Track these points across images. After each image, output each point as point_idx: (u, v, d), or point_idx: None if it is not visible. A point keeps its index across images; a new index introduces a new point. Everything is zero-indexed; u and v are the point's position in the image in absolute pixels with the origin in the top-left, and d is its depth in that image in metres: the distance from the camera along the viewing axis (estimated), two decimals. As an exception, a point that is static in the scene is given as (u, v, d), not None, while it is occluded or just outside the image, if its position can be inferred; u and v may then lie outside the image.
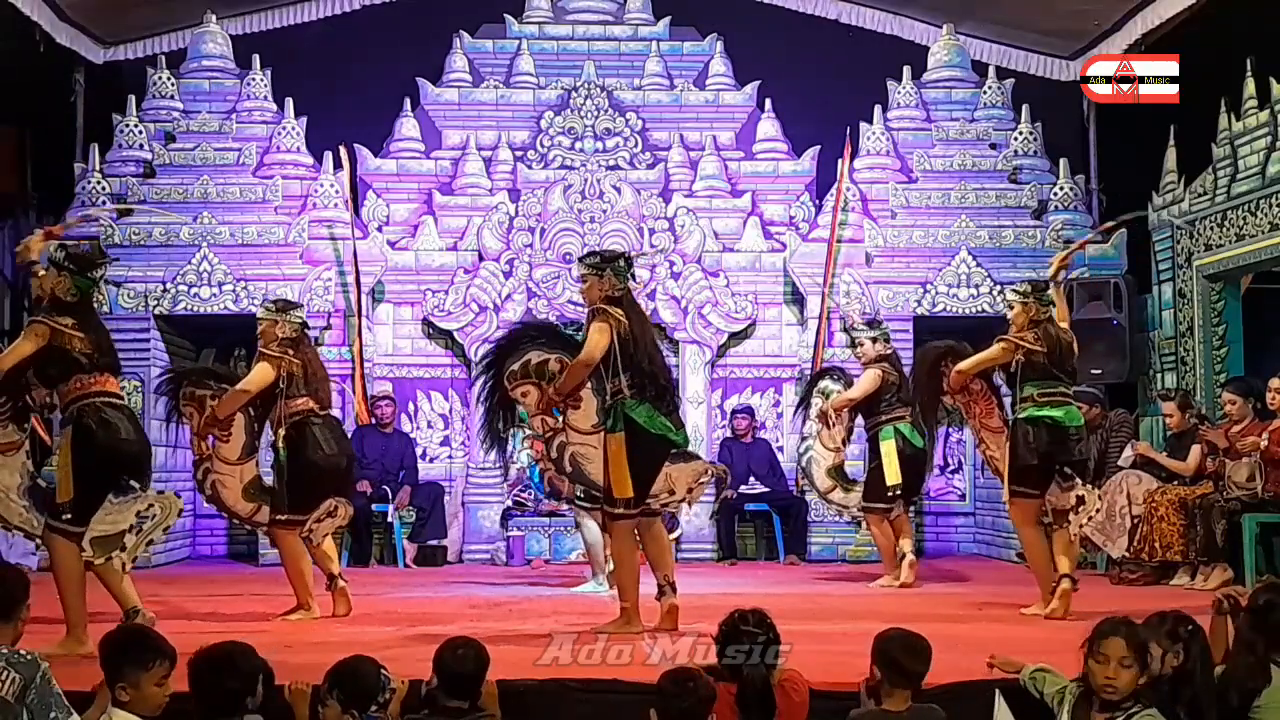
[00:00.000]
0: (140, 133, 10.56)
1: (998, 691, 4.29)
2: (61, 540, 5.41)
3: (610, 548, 6.34)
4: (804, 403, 8.92)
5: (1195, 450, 8.44)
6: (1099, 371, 9.90)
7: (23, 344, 5.45)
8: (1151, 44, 10.26)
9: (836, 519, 10.30)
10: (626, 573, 6.03)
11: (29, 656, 3.67)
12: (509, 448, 7.64)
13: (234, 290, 10.06)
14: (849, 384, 8.57)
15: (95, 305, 5.75)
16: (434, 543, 10.10)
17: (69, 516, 5.37)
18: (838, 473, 8.56)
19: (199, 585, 8.15)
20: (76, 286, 5.49)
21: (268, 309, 6.86)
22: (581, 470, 6.08)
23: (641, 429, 5.89)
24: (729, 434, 10.43)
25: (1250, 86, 9.03)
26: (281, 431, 6.62)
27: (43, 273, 5.53)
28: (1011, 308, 6.87)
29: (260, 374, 6.67)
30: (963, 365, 6.91)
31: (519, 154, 10.93)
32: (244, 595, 7.67)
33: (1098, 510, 8.43)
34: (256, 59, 10.82)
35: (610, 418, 5.91)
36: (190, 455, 10.50)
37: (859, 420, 8.68)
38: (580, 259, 6.32)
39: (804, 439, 8.76)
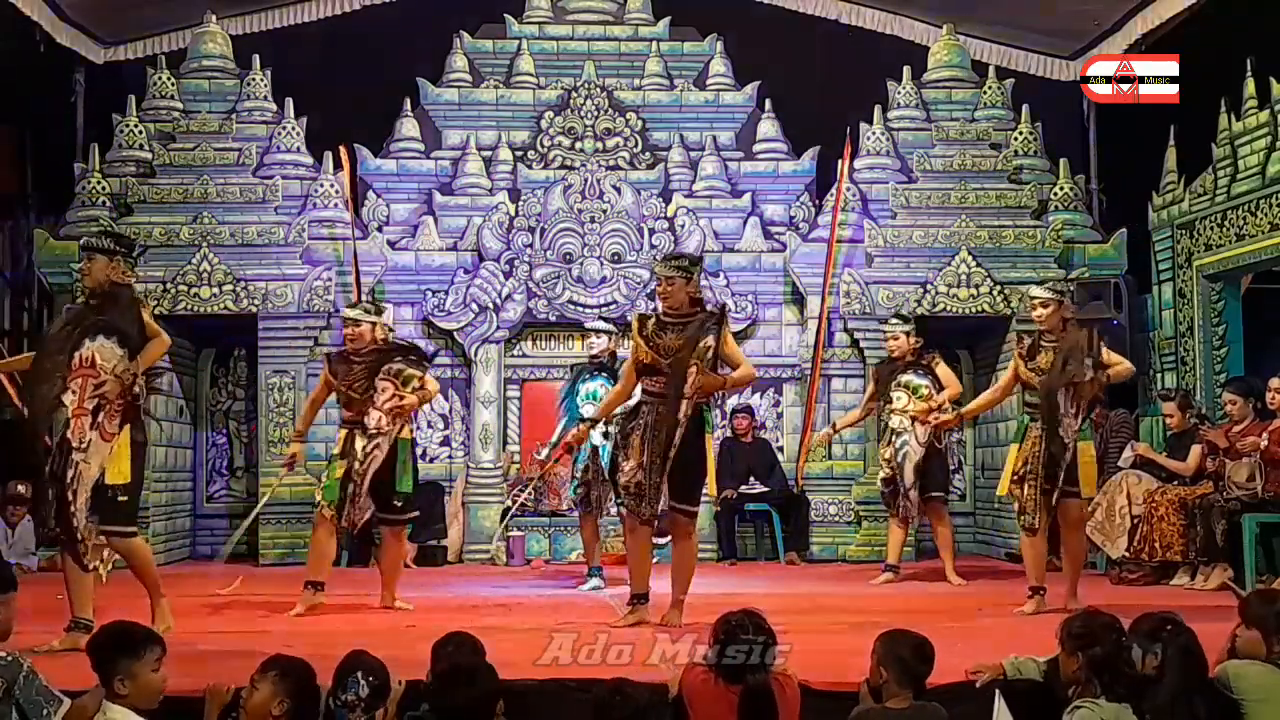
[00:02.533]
0: (140, 133, 10.54)
1: (998, 692, 4.32)
2: (137, 540, 5.75)
3: (689, 548, 6.41)
4: (881, 397, 8.79)
5: (1195, 450, 8.44)
6: (1099, 371, 9.89)
7: (161, 335, 5.73)
8: (1151, 44, 10.26)
9: (836, 519, 10.35)
10: (692, 572, 6.39)
11: (9, 658, 3.67)
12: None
13: (234, 290, 10.05)
14: (935, 379, 8.52)
15: None
16: (434, 543, 10.10)
17: (125, 501, 5.61)
18: (917, 470, 8.53)
19: (199, 585, 8.14)
20: (128, 266, 5.75)
21: (367, 310, 7.22)
22: (671, 460, 6.16)
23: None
24: (729, 434, 10.43)
25: (1250, 86, 9.04)
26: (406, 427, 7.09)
27: (87, 262, 5.68)
28: (1046, 305, 6.81)
29: (436, 386, 7.43)
30: (1119, 373, 6.87)
31: (519, 154, 10.93)
32: (244, 595, 7.67)
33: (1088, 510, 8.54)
34: (256, 59, 10.81)
35: (707, 420, 6.26)
36: (187, 456, 10.63)
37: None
38: (666, 259, 6.52)
39: (900, 433, 8.55)
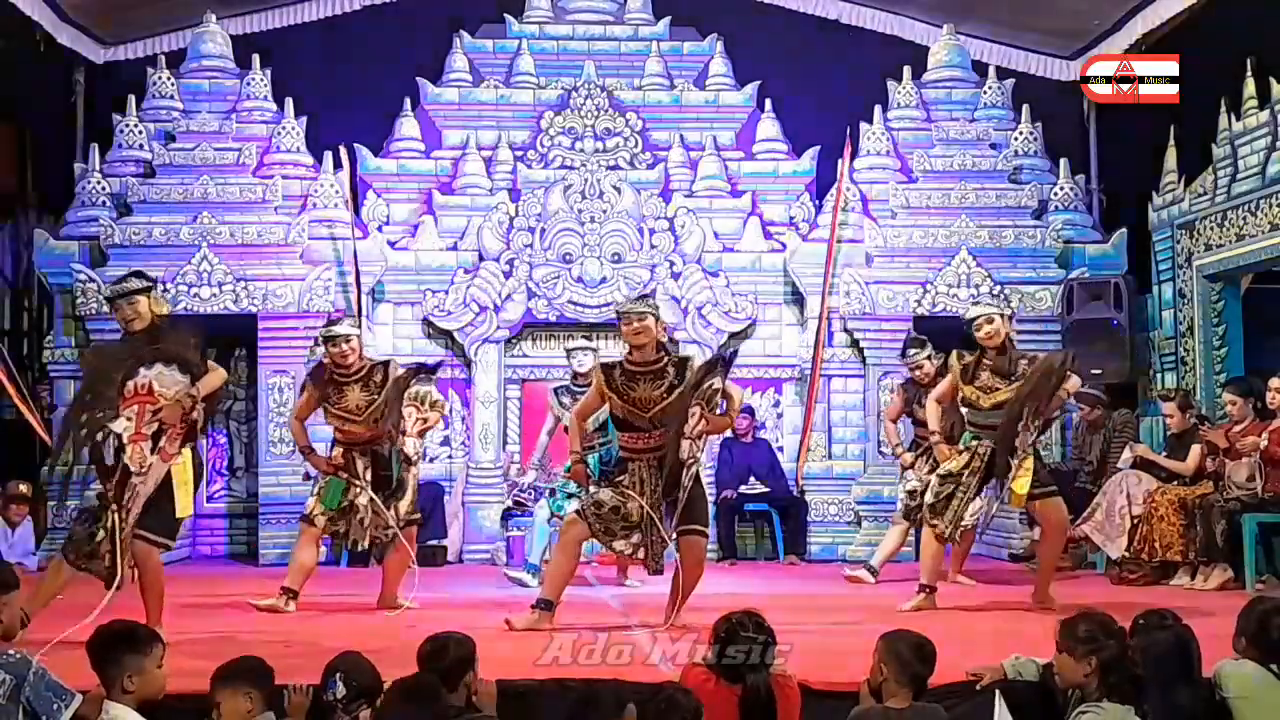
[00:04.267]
0: (140, 133, 10.55)
1: (998, 692, 4.32)
2: (153, 549, 5.78)
3: (696, 570, 6.33)
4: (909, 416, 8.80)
5: (1195, 450, 8.44)
6: (1099, 371, 9.91)
7: (218, 369, 6.04)
8: (1151, 44, 10.25)
9: (836, 519, 10.35)
10: (696, 585, 6.33)
11: (18, 656, 3.69)
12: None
13: (234, 290, 10.05)
14: None
15: None
16: (434, 543, 10.09)
17: (175, 526, 5.83)
18: None
19: (199, 585, 8.14)
20: (162, 299, 6.02)
21: (355, 323, 7.36)
22: (688, 502, 6.19)
23: None
24: (729, 434, 10.41)
25: (1250, 86, 9.04)
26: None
27: (130, 308, 5.84)
28: (991, 321, 6.94)
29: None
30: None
31: (519, 154, 10.92)
32: (245, 595, 7.67)
33: (1088, 510, 8.57)
34: (256, 59, 10.80)
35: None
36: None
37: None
38: (637, 298, 6.51)
39: None
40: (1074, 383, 6.93)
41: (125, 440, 5.56)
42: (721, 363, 6.28)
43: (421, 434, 7.19)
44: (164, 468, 5.67)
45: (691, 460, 6.09)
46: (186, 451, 5.80)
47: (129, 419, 5.59)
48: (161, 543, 5.81)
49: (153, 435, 5.62)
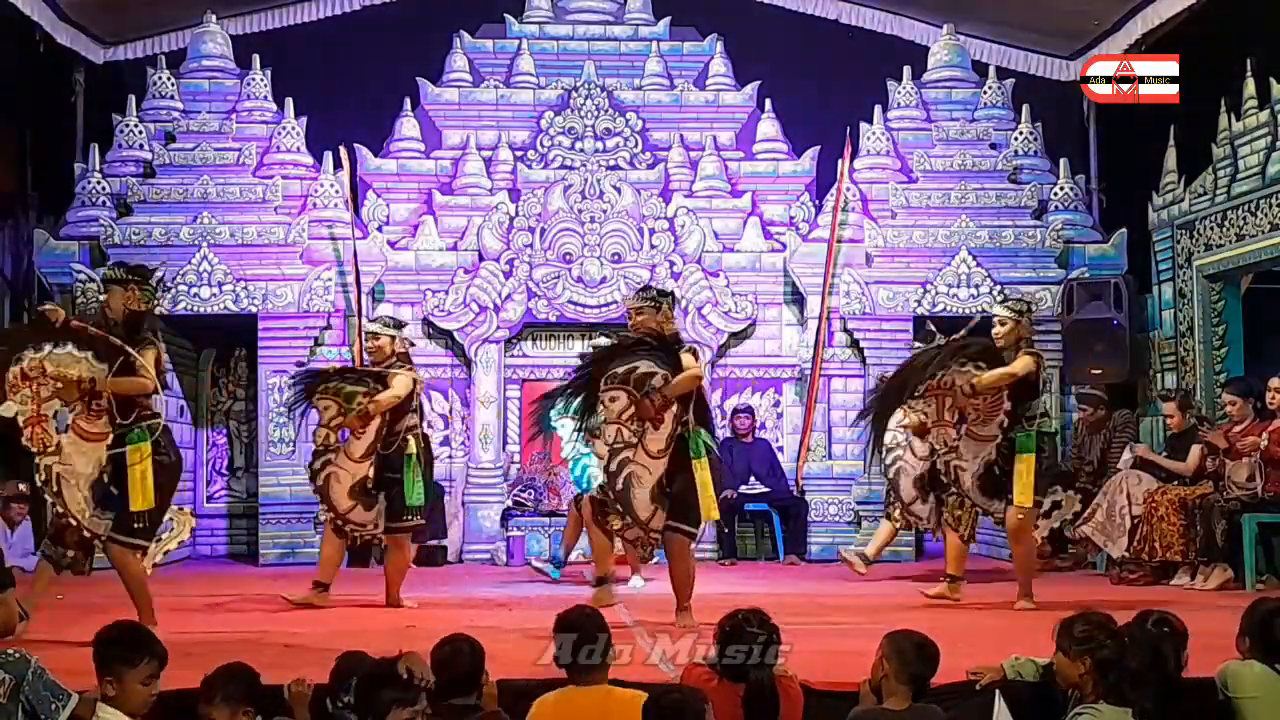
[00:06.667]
0: (140, 133, 10.55)
1: (997, 692, 4.33)
2: (129, 552, 5.82)
3: (683, 565, 6.36)
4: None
5: (1195, 450, 8.45)
6: (1099, 371, 9.92)
7: (149, 360, 5.84)
8: (1151, 44, 10.25)
9: (836, 519, 10.35)
10: (691, 583, 6.31)
11: (17, 655, 3.68)
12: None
13: (234, 290, 10.05)
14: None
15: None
16: (434, 543, 10.09)
17: (141, 526, 5.80)
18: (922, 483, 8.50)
19: (200, 585, 8.15)
20: (145, 296, 5.98)
21: (385, 324, 7.42)
22: (630, 491, 6.15)
23: (714, 456, 6.25)
24: (729, 434, 10.43)
25: (1250, 86, 9.03)
26: (412, 442, 7.18)
27: (108, 293, 5.93)
28: (1003, 324, 7.02)
29: (405, 385, 7.18)
30: (988, 379, 6.87)
31: (519, 154, 10.92)
32: (244, 595, 7.68)
33: (1088, 510, 8.57)
34: (256, 59, 10.81)
35: (693, 445, 6.12)
36: (187, 456, 10.61)
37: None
38: (637, 291, 6.54)
39: (890, 450, 8.54)
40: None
41: (22, 424, 5.59)
42: (644, 346, 6.19)
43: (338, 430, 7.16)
44: (91, 448, 5.72)
45: (619, 445, 6.08)
46: (146, 446, 5.78)
47: (21, 402, 5.60)
48: (134, 544, 5.82)
49: (54, 415, 5.65)
